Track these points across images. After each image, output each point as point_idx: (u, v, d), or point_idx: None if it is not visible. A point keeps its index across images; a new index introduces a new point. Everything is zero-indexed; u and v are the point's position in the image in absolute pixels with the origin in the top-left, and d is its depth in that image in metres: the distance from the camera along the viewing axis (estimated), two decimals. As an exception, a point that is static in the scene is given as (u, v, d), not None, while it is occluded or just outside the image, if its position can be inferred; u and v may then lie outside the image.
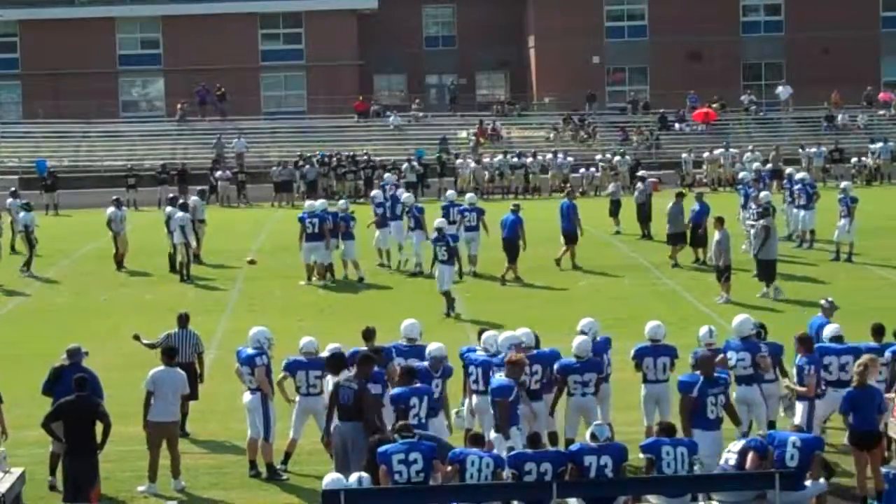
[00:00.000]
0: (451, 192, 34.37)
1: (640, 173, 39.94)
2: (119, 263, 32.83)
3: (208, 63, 65.58)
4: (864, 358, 14.73)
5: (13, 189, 39.26)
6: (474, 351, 16.01)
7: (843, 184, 33.90)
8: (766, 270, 26.87)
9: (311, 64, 68.37)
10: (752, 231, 28.25)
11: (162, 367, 15.84)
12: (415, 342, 16.37)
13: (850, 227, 31.00)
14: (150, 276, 31.84)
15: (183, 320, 18.11)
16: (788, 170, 39.18)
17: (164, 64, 68.49)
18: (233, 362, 16.69)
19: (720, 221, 26.72)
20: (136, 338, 18.38)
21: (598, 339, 16.34)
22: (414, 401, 14.45)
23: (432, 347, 15.76)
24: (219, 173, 52.26)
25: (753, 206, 29.95)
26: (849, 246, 31.19)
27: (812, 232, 33.17)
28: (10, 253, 34.87)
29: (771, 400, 16.03)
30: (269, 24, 69.04)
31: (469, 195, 34.38)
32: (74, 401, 14.40)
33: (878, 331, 16.28)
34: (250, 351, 16.21)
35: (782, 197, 35.37)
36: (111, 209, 33.33)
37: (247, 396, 16.14)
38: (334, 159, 52.72)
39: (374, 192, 35.73)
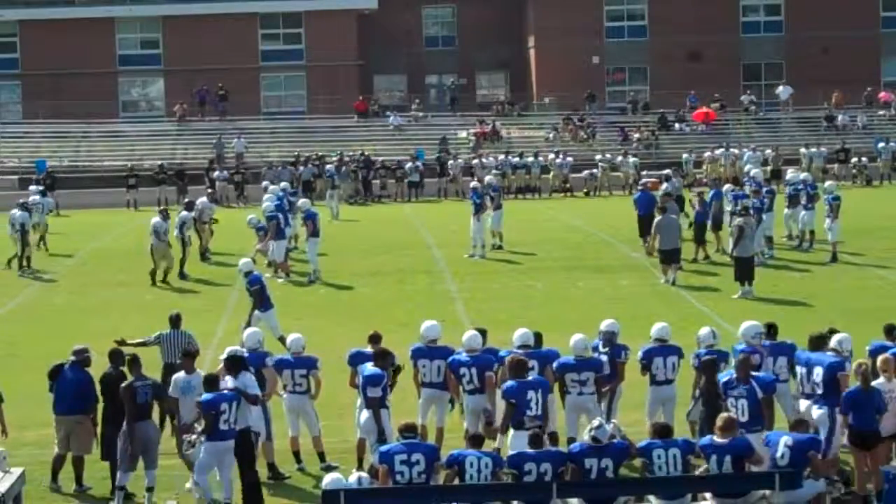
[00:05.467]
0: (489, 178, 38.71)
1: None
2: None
3: (208, 63, 65.55)
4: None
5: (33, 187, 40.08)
6: (460, 353, 15.83)
7: (827, 184, 34.27)
8: (743, 268, 27.01)
9: (311, 64, 68.33)
10: (730, 230, 28.36)
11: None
12: (435, 343, 16.18)
13: (833, 226, 31.04)
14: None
15: (175, 321, 17.96)
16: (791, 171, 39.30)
17: (164, 64, 68.45)
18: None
19: (662, 210, 28.92)
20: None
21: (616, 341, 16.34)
22: (224, 406, 14.28)
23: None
24: (217, 173, 52.22)
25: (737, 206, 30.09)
26: (832, 245, 31.18)
27: (812, 232, 33.15)
28: (38, 248, 35.61)
29: (784, 399, 15.96)
30: (269, 24, 68.99)
31: (488, 177, 38.67)
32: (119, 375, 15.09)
33: (890, 331, 16.13)
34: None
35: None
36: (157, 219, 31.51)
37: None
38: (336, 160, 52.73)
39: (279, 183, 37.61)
